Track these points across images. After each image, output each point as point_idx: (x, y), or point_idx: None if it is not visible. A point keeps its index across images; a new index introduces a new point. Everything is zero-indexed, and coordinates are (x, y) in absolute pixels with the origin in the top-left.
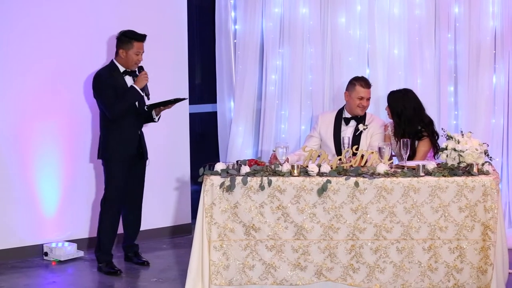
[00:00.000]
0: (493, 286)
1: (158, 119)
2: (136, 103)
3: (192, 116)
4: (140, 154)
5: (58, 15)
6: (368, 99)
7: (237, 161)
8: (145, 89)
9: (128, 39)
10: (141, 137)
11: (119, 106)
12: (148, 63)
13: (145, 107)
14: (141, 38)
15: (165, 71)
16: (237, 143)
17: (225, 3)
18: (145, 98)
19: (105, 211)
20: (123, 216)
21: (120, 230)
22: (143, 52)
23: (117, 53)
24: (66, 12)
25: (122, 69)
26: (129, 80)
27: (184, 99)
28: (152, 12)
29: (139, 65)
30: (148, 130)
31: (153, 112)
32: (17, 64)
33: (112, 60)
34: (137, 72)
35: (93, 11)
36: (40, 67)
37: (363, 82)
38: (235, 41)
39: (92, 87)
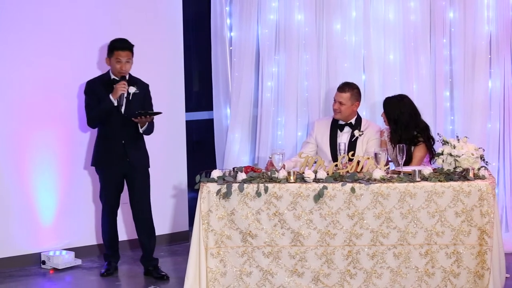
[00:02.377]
0: None
1: (145, 130)
2: (122, 109)
3: (189, 123)
4: (129, 164)
5: (55, 23)
6: (340, 103)
7: (233, 168)
8: (120, 99)
9: (111, 47)
10: (125, 146)
11: (92, 114)
12: (144, 70)
13: (125, 114)
14: (121, 46)
15: (161, 79)
16: (233, 150)
17: (220, 11)
18: (121, 108)
19: (102, 214)
20: (136, 229)
21: (130, 236)
22: (127, 61)
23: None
24: (62, 20)
25: (113, 77)
26: None
27: (157, 113)
28: (148, 19)
29: (124, 75)
30: (145, 137)
31: (139, 125)
32: (12, 72)
33: (109, 70)
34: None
35: (89, 18)
36: (36, 75)
37: (340, 85)
38: (230, 48)
39: None
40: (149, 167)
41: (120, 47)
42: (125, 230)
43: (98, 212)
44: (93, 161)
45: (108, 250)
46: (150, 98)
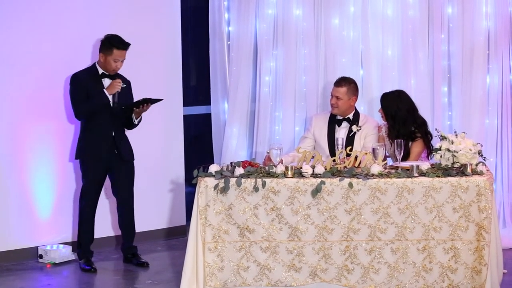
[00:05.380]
0: (488, 286)
1: (138, 122)
2: (111, 103)
3: (186, 118)
4: (117, 156)
5: (52, 18)
6: (337, 98)
7: (231, 163)
8: (114, 96)
9: (109, 45)
10: (115, 139)
11: (83, 107)
12: (142, 65)
13: (121, 107)
14: (122, 46)
15: (159, 73)
16: (231, 144)
17: (218, 5)
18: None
19: (79, 208)
20: (118, 218)
21: (119, 231)
22: (124, 59)
23: (99, 56)
24: (60, 15)
25: (101, 71)
26: (108, 83)
27: (158, 100)
28: (145, 14)
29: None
30: (142, 132)
31: (133, 115)
32: (10, 67)
33: (94, 63)
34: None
35: (86, 13)
36: (34, 70)
37: (337, 79)
38: (228, 42)
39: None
40: (134, 159)
41: (120, 47)
42: (112, 225)
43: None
44: (79, 154)
45: (85, 246)
46: (131, 93)
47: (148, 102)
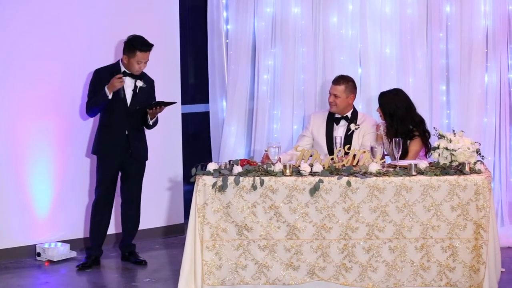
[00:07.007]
0: (486, 285)
1: (154, 123)
2: (129, 101)
3: (185, 116)
4: (130, 155)
5: (51, 16)
6: (335, 96)
7: (229, 161)
8: (119, 92)
9: (132, 48)
10: (129, 138)
11: (89, 104)
12: None
13: (136, 107)
14: (145, 48)
15: (157, 71)
16: (229, 143)
17: (217, 3)
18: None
19: (93, 205)
20: (122, 215)
21: (119, 229)
22: (147, 61)
23: (122, 56)
24: (59, 13)
25: (123, 69)
26: (129, 82)
27: (172, 103)
28: (144, 12)
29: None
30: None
31: (148, 117)
32: (10, 64)
33: (119, 60)
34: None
35: (85, 10)
36: (33, 67)
37: (335, 78)
38: (227, 41)
39: None
40: (147, 159)
41: (143, 49)
42: (111, 223)
43: None
44: (95, 149)
45: (94, 243)
46: (154, 93)
47: (161, 104)
